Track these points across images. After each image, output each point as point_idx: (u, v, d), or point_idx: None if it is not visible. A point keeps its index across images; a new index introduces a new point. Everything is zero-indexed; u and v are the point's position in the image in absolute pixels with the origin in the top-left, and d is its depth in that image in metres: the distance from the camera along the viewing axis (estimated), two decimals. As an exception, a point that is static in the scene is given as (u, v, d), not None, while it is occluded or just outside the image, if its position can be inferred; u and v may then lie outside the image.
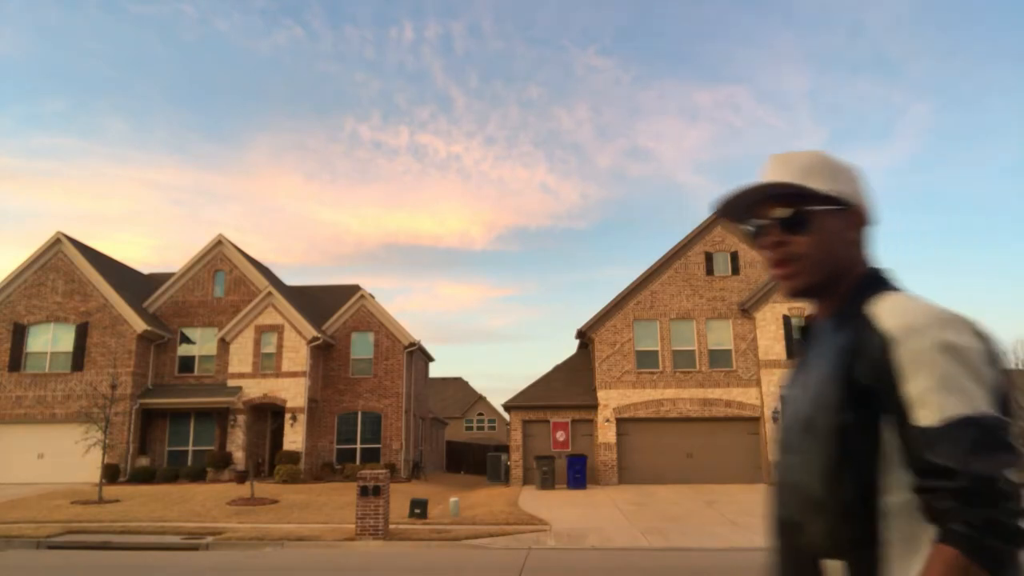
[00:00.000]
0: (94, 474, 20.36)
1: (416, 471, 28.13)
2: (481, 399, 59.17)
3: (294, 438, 25.25)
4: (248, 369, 25.82)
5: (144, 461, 24.71)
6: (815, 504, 1.17)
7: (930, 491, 1.04)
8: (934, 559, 1.01)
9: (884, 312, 1.15)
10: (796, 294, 1.31)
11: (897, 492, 1.09)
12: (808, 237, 1.27)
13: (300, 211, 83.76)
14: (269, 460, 25.72)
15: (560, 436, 24.58)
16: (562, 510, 16.78)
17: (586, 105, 74.49)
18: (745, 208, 1.34)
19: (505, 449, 31.01)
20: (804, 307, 24.97)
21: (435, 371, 41.06)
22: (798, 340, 1.39)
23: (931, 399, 1.06)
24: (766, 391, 24.52)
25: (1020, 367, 22.16)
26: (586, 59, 71.73)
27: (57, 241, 26.03)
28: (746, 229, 1.38)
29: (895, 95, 69.23)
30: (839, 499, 1.13)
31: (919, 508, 1.07)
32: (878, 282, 1.27)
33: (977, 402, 1.05)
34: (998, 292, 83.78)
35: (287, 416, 25.44)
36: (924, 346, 1.08)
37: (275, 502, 17.81)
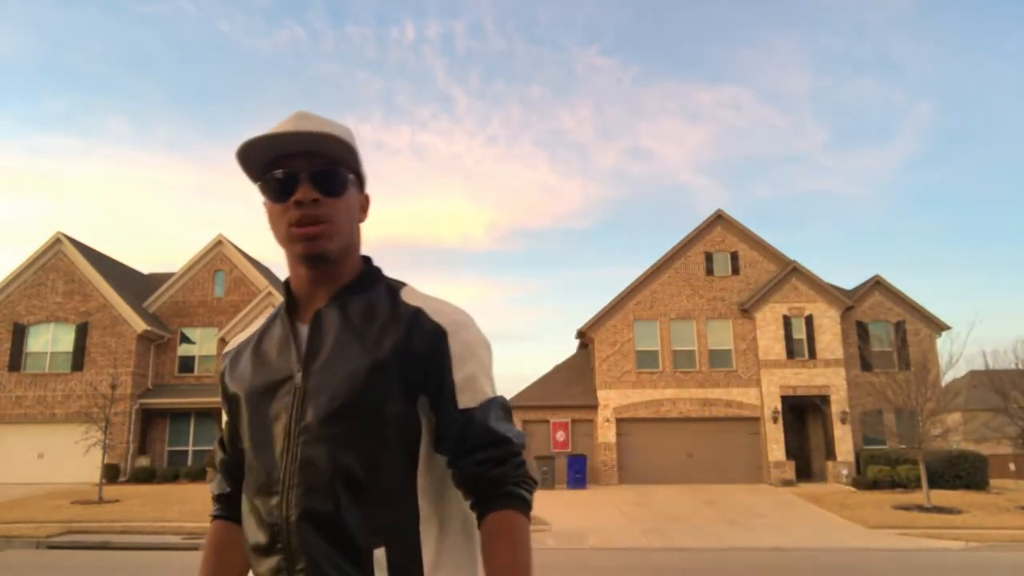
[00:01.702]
0: (94, 474, 20.35)
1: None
2: (481, 399, 58.98)
3: (294, 438, 25.24)
4: (248, 369, 25.81)
5: (144, 461, 24.70)
6: (361, 492, 1.10)
7: (485, 461, 1.16)
8: (512, 526, 1.14)
9: (431, 305, 1.21)
10: (317, 258, 1.18)
11: (427, 472, 1.17)
12: (340, 201, 1.19)
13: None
14: (269, 460, 25.70)
15: (560, 436, 24.58)
16: (562, 510, 16.78)
17: (588, 105, 74.53)
18: (275, 156, 1.17)
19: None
20: (804, 307, 24.99)
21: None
22: (317, 324, 1.19)
23: (473, 385, 1.18)
24: (766, 391, 24.51)
25: (1020, 367, 22.12)
26: (588, 59, 71.78)
27: (57, 241, 26.01)
28: (268, 178, 1.18)
29: (897, 95, 69.24)
30: (385, 485, 1.12)
31: (464, 480, 1.17)
32: (379, 270, 1.29)
33: (495, 386, 1.24)
34: (999, 291, 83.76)
35: (287, 416, 25.43)
36: (469, 340, 1.19)
37: (275, 502, 17.81)
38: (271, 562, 1.12)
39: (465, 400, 1.17)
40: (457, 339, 1.18)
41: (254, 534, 1.16)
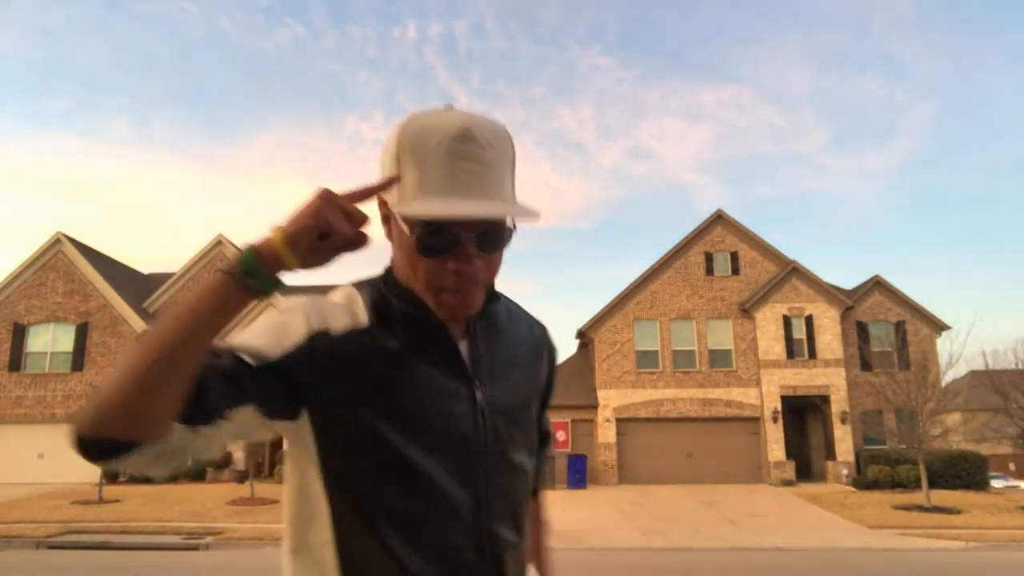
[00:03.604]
0: (94, 474, 20.32)
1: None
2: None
3: (294, 438, 25.22)
4: (248, 369, 25.80)
5: (144, 461, 24.72)
6: (524, 519, 1.10)
7: (546, 459, 1.35)
8: (543, 503, 1.37)
9: (542, 323, 1.28)
10: (460, 319, 1.04)
11: None
12: (497, 255, 1.02)
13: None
14: (269, 460, 25.71)
15: (560, 436, 24.58)
16: (562, 510, 16.78)
17: (589, 104, 74.57)
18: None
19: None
20: (804, 307, 24.99)
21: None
22: (479, 333, 1.09)
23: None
24: (766, 391, 24.50)
25: (1020, 367, 22.12)
26: (589, 58, 71.83)
27: (57, 241, 26.01)
28: (423, 231, 0.97)
29: (898, 94, 69.25)
30: (531, 487, 1.17)
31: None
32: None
33: None
34: (999, 291, 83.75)
35: (287, 416, 25.42)
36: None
37: (275, 502, 17.80)
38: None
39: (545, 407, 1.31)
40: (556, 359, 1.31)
41: (429, 565, 0.95)
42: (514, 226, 1.01)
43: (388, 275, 1.09)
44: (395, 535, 0.95)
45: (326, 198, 0.84)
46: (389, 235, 1.06)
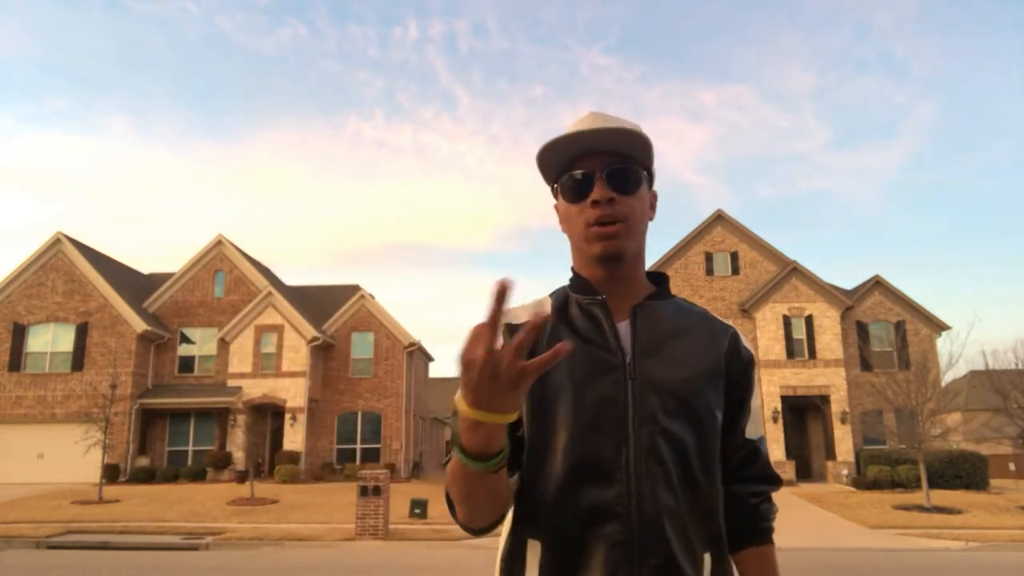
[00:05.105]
0: (94, 474, 20.35)
1: (416, 471, 28.13)
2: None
3: (294, 438, 25.25)
4: (248, 369, 25.82)
5: (144, 461, 24.70)
6: (697, 492, 1.11)
7: (760, 494, 1.22)
8: (771, 556, 1.21)
9: (738, 332, 1.26)
10: (614, 258, 1.16)
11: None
12: (635, 199, 1.18)
13: (301, 210, 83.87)
14: (269, 460, 25.71)
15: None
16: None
17: (590, 104, 74.63)
18: (571, 157, 1.18)
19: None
20: (804, 307, 24.98)
21: (435, 371, 41.03)
22: (639, 316, 1.18)
23: (757, 419, 1.24)
24: (766, 391, 24.49)
25: (1020, 367, 22.12)
26: (590, 58, 71.99)
27: (57, 241, 26.01)
28: (565, 179, 1.19)
29: (900, 94, 69.34)
30: (713, 490, 1.14)
31: (735, 504, 1.19)
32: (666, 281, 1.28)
33: None
34: (999, 291, 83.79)
35: (287, 416, 25.44)
36: (756, 374, 1.26)
37: (275, 502, 17.81)
38: (609, 555, 1.05)
39: (751, 431, 1.23)
40: (755, 371, 1.25)
41: (577, 524, 1.07)
42: (648, 172, 1.22)
43: (572, 273, 1.27)
44: (550, 478, 1.10)
45: (466, 347, 0.85)
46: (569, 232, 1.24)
